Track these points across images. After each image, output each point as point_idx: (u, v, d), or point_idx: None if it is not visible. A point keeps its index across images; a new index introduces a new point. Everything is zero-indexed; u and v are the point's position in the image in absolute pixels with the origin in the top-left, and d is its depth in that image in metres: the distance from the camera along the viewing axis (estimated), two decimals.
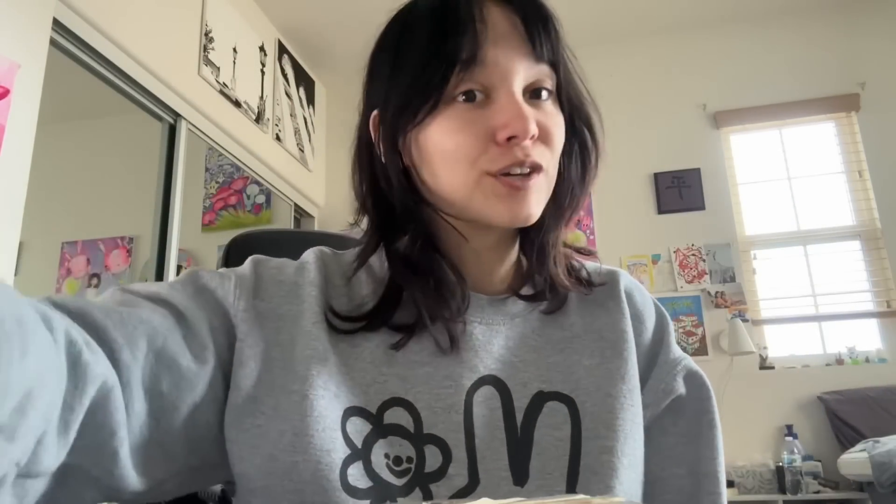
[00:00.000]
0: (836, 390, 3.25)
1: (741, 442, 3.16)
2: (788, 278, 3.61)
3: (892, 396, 3.15)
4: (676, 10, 3.80)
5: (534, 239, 0.64)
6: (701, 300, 3.56)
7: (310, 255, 0.65)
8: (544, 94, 0.59)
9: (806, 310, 3.56)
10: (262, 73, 3.53)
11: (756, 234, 3.71)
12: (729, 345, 3.36)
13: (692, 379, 0.66)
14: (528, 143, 0.56)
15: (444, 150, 0.58)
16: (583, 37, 3.94)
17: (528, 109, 0.56)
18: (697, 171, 3.74)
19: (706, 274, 3.59)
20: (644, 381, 0.64)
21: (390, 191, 0.62)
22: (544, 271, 0.64)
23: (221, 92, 3.08)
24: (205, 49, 2.98)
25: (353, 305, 0.62)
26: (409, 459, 0.55)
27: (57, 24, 2.19)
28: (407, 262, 0.62)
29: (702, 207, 3.69)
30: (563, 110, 0.62)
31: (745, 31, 3.88)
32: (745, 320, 3.42)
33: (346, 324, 0.60)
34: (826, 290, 3.55)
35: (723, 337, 3.45)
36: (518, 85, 0.57)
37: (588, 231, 3.78)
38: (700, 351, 3.45)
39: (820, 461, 3.06)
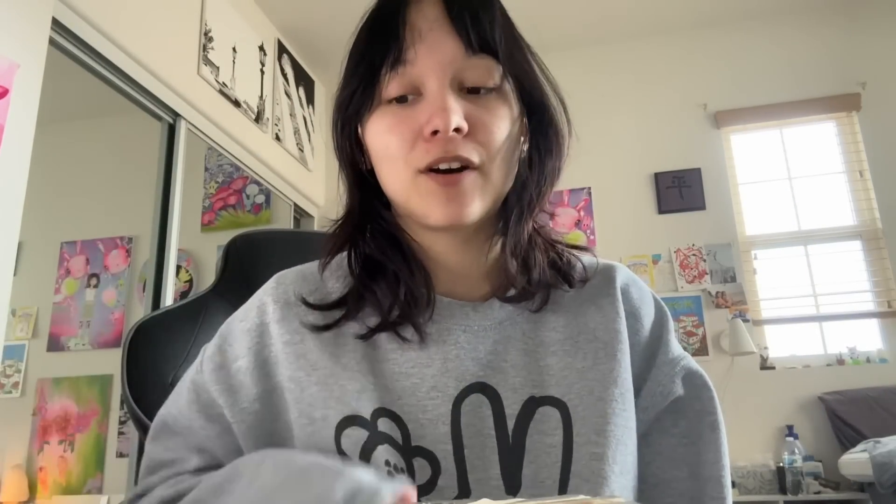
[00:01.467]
0: (836, 390, 3.24)
1: (742, 442, 3.16)
2: (789, 278, 3.60)
3: (892, 397, 3.14)
4: (677, 10, 3.79)
5: (505, 236, 0.62)
6: (701, 300, 3.55)
7: (270, 285, 0.66)
8: (484, 88, 0.58)
9: (807, 310, 3.55)
10: (262, 72, 3.52)
11: (757, 234, 3.70)
12: (729, 345, 3.35)
13: (692, 379, 0.64)
14: (454, 136, 0.55)
15: (379, 150, 0.59)
16: (583, 37, 3.94)
17: (452, 103, 0.55)
18: (698, 170, 3.74)
19: (707, 274, 3.58)
20: (642, 381, 0.62)
21: (347, 192, 0.65)
22: (519, 267, 0.62)
23: (221, 91, 3.08)
24: (204, 49, 2.97)
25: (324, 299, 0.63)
26: (402, 470, 0.55)
27: (56, 23, 2.18)
28: (367, 264, 0.63)
29: (702, 207, 3.69)
30: (521, 101, 0.60)
31: (746, 30, 3.87)
32: (745, 320, 3.41)
33: (319, 316, 0.60)
34: (827, 290, 3.54)
35: (723, 337, 3.44)
36: (443, 79, 0.56)
37: (588, 231, 3.77)
38: (701, 351, 3.45)
39: (821, 461, 3.06)
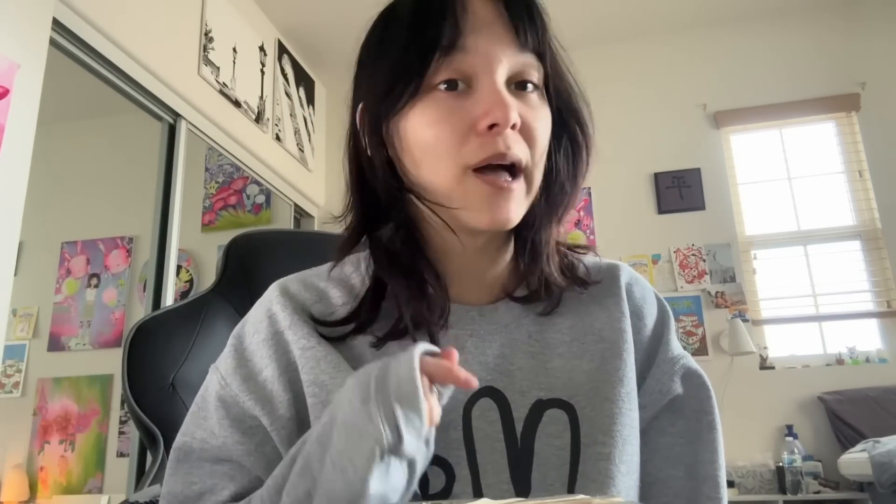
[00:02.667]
0: (836, 390, 3.24)
1: (741, 442, 3.16)
2: (788, 278, 3.60)
3: (892, 396, 3.14)
4: (676, 10, 3.80)
5: (526, 238, 0.62)
6: (701, 300, 3.56)
7: (274, 294, 0.64)
8: (530, 86, 0.58)
9: (806, 310, 3.55)
10: (262, 72, 3.52)
11: (756, 234, 3.71)
12: (729, 345, 3.35)
13: (691, 378, 0.64)
14: (509, 132, 0.54)
15: (424, 141, 0.56)
16: (583, 37, 3.93)
17: (510, 98, 0.54)
18: (697, 171, 3.74)
19: (706, 274, 3.59)
20: (642, 379, 0.63)
21: (375, 181, 0.61)
22: (538, 271, 0.62)
23: (221, 92, 3.08)
24: (204, 49, 2.98)
25: (327, 314, 0.62)
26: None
27: (57, 23, 2.19)
28: (389, 255, 0.61)
29: (702, 207, 3.69)
30: (550, 104, 0.60)
31: (746, 30, 3.87)
32: (745, 320, 3.41)
33: (329, 330, 0.60)
34: (826, 290, 3.55)
35: (723, 337, 3.45)
36: (501, 73, 0.55)
37: (588, 231, 3.78)
38: (700, 351, 3.45)
39: (820, 461, 3.06)
